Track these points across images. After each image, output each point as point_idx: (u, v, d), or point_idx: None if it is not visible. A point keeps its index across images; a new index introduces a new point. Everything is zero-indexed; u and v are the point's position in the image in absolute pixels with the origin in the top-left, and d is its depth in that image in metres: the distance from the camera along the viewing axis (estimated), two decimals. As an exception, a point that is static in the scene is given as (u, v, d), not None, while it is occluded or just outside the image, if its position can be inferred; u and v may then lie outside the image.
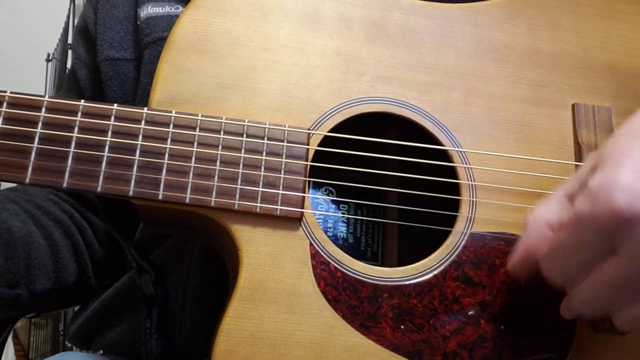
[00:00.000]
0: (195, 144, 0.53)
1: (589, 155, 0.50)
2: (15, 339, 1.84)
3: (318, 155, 0.56)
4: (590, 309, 0.48)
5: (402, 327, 0.53)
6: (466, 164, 0.57)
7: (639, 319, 0.46)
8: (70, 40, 1.97)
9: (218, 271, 0.59)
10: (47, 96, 0.52)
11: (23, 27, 2.29)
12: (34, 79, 2.10)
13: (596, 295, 0.46)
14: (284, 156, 0.54)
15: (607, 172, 0.44)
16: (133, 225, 0.69)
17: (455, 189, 0.57)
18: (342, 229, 0.66)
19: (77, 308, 0.78)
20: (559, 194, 0.49)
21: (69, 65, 1.96)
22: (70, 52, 1.93)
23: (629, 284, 0.44)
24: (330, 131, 0.56)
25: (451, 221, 0.57)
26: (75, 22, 2.01)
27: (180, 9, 0.70)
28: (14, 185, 0.74)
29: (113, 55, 0.73)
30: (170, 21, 0.57)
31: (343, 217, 0.66)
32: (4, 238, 0.63)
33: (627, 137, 0.46)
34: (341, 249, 0.55)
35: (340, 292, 0.53)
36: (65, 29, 2.06)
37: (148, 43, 0.70)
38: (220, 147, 0.53)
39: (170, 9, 0.71)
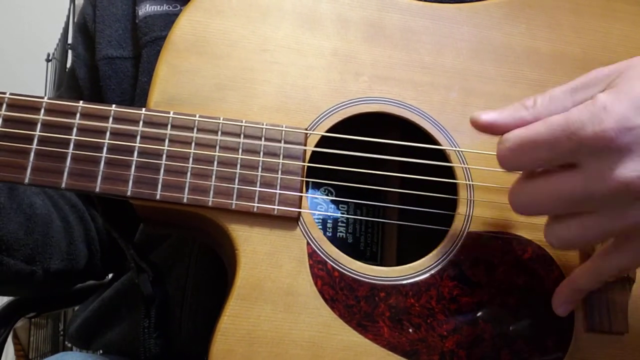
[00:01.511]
0: (193, 144, 0.53)
1: (606, 69, 0.49)
2: (15, 339, 1.85)
3: (316, 156, 0.56)
4: (530, 208, 0.48)
5: (399, 326, 0.53)
6: (464, 164, 0.57)
7: (564, 238, 0.47)
8: (70, 40, 1.98)
9: (217, 270, 0.60)
10: (46, 97, 0.53)
11: (23, 27, 2.30)
12: (34, 79, 2.11)
13: (541, 198, 0.46)
14: (281, 156, 0.54)
15: (617, 95, 0.43)
16: (133, 226, 0.69)
17: (454, 188, 0.57)
18: (341, 229, 0.66)
19: (77, 308, 0.79)
20: (564, 96, 0.47)
21: (69, 65, 1.97)
22: (70, 52, 1.94)
23: (576, 201, 0.44)
24: (327, 131, 0.56)
25: (450, 221, 0.57)
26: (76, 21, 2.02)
27: (179, 7, 0.70)
28: None
29: (111, 54, 0.73)
30: (168, 20, 0.58)
31: (342, 217, 0.66)
32: (27, 213, 0.64)
33: None
34: (340, 249, 0.55)
35: (337, 291, 0.53)
36: (65, 29, 2.07)
37: (146, 42, 0.71)
38: (217, 147, 0.54)
39: (169, 7, 0.71)
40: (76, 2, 2.11)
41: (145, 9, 0.72)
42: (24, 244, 0.64)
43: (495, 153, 0.56)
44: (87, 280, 0.76)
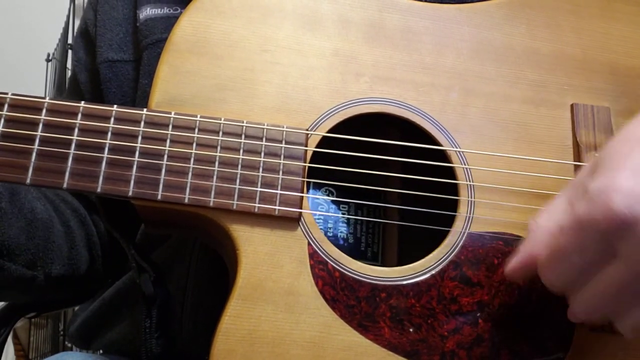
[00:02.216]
0: (194, 144, 0.53)
1: (588, 158, 0.50)
2: (15, 339, 1.85)
3: (317, 156, 0.56)
4: (591, 314, 0.48)
5: (400, 326, 0.53)
6: (464, 164, 0.57)
7: (637, 325, 0.46)
8: (70, 40, 1.98)
9: (218, 270, 0.60)
10: (47, 98, 0.53)
11: (23, 27, 2.30)
12: (34, 79, 2.11)
13: (597, 300, 0.46)
14: (282, 157, 0.54)
15: (606, 176, 0.44)
16: (134, 227, 0.69)
17: (455, 189, 0.57)
18: (342, 230, 0.66)
19: (77, 308, 0.79)
20: (560, 199, 0.49)
21: (69, 65, 1.97)
22: (70, 52, 1.94)
23: (629, 288, 0.44)
24: (328, 132, 0.56)
25: (451, 221, 0.57)
26: (76, 21, 2.03)
27: (179, 10, 0.71)
28: None
29: (112, 57, 0.73)
30: (168, 23, 0.58)
31: (343, 217, 0.66)
32: (28, 218, 0.64)
33: (627, 141, 0.46)
34: (341, 249, 0.55)
35: (338, 291, 0.53)
36: (65, 29, 2.07)
37: (147, 45, 0.71)
38: (219, 147, 0.54)
39: (169, 10, 0.72)
40: (76, 2, 2.12)
41: (146, 12, 0.73)
42: (25, 249, 0.64)
43: (496, 154, 0.57)
44: (89, 286, 0.76)
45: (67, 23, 2.07)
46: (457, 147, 0.58)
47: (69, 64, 1.95)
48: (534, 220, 0.49)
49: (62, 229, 0.69)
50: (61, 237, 0.68)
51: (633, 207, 0.42)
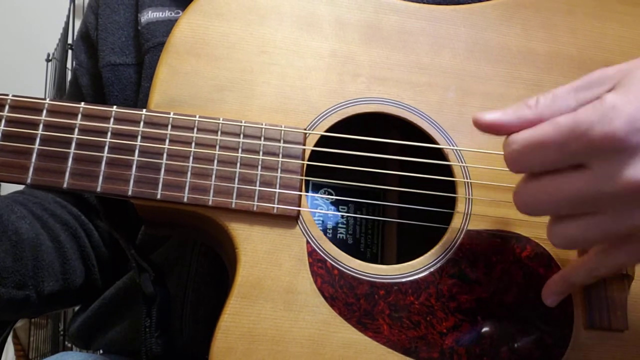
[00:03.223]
0: (193, 144, 0.54)
1: (610, 69, 0.48)
2: (15, 339, 1.85)
3: (315, 157, 0.57)
4: (534, 206, 0.47)
5: (399, 324, 0.53)
6: (462, 163, 0.58)
7: (569, 237, 0.46)
8: (70, 40, 1.99)
9: (218, 269, 0.60)
10: (48, 99, 0.53)
11: (23, 27, 2.31)
12: (34, 79, 2.12)
13: (546, 198, 0.46)
14: (280, 156, 0.55)
15: (627, 95, 0.43)
16: (135, 227, 0.69)
17: (453, 187, 0.58)
18: (341, 230, 0.67)
19: (77, 308, 0.79)
20: (568, 95, 0.47)
21: (69, 65, 1.98)
22: (70, 52, 1.95)
23: (580, 199, 0.44)
24: (326, 132, 0.57)
25: (449, 219, 0.57)
26: (76, 22, 2.04)
27: (180, 13, 0.71)
28: (22, 188, 0.75)
29: (114, 61, 0.74)
30: (170, 26, 0.58)
31: (342, 214, 0.66)
32: (13, 240, 0.64)
33: None
34: (340, 250, 0.55)
35: (337, 289, 0.53)
36: (65, 29, 2.08)
37: (149, 48, 0.71)
38: (217, 147, 0.54)
39: (171, 13, 0.72)
40: (76, 2, 2.13)
41: (147, 16, 0.73)
42: (13, 271, 0.64)
43: (493, 152, 0.58)
44: (87, 295, 0.76)
45: (67, 23, 2.09)
46: (454, 146, 0.58)
47: (69, 64, 1.96)
48: (535, 99, 0.47)
49: (52, 244, 0.69)
50: (51, 253, 0.68)
51: (633, 135, 0.41)
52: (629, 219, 0.44)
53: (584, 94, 0.46)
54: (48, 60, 2.11)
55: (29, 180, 0.51)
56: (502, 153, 0.58)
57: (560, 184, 0.45)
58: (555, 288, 0.53)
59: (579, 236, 0.46)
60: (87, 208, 0.76)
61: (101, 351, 0.73)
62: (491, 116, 0.48)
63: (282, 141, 0.55)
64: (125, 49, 0.74)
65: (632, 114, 0.42)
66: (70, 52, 1.96)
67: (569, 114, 0.44)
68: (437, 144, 0.58)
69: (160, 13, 0.73)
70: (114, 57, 0.74)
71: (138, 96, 0.73)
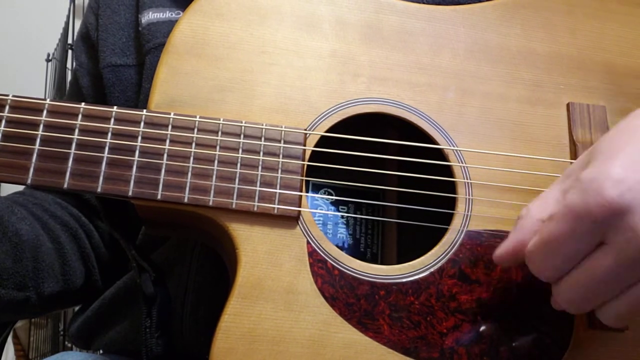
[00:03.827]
0: (194, 144, 0.54)
1: (583, 151, 0.50)
2: (15, 339, 1.85)
3: (316, 157, 0.57)
4: (575, 301, 0.48)
5: (399, 324, 0.53)
6: (462, 163, 0.58)
7: (622, 315, 0.46)
8: (70, 41, 1.99)
9: (219, 269, 0.60)
10: (48, 99, 0.53)
11: (23, 27, 2.31)
12: (34, 79, 2.12)
13: (582, 287, 0.46)
14: (280, 156, 0.55)
15: (599, 165, 0.44)
16: (135, 228, 0.69)
17: (453, 187, 0.58)
18: (341, 231, 0.67)
19: (77, 308, 0.79)
20: (552, 189, 0.49)
21: (69, 65, 1.98)
22: (70, 52, 1.95)
23: (615, 275, 0.44)
24: (326, 132, 0.57)
25: (449, 219, 0.57)
26: (76, 22, 2.04)
27: (181, 14, 0.71)
28: (21, 188, 0.75)
29: (115, 62, 0.74)
30: (171, 27, 0.58)
31: (342, 215, 0.66)
32: (13, 241, 0.64)
33: (620, 134, 0.47)
34: (341, 250, 0.55)
35: (337, 289, 0.53)
36: (65, 29, 2.08)
37: (150, 49, 0.71)
38: (218, 147, 0.54)
39: (171, 14, 0.72)
40: (76, 2, 2.13)
41: (148, 17, 0.73)
42: (13, 273, 0.64)
43: (493, 152, 0.58)
44: (88, 296, 0.76)
45: (67, 23, 2.09)
46: (454, 146, 0.58)
47: (69, 64, 1.96)
48: (526, 207, 0.50)
49: (52, 246, 0.69)
50: (51, 254, 0.68)
51: (624, 195, 0.42)
52: None
53: (564, 183, 0.47)
54: (48, 60, 2.11)
55: (29, 181, 0.51)
56: (502, 154, 0.59)
57: (589, 270, 0.45)
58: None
59: (631, 311, 0.46)
60: (87, 208, 0.76)
61: (101, 351, 0.73)
62: (500, 252, 0.51)
63: (282, 141, 0.55)
64: (125, 49, 0.74)
65: (617, 176, 0.43)
66: (70, 52, 1.96)
67: (560, 206, 0.45)
68: (437, 144, 0.58)
69: (161, 14, 0.73)
70: (114, 58, 0.74)
71: (139, 97, 0.73)
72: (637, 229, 0.42)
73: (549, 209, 0.47)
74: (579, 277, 0.46)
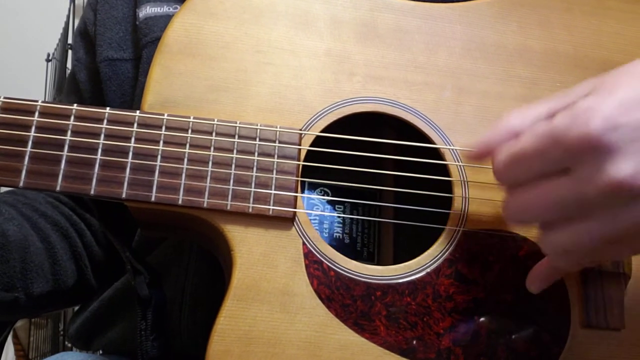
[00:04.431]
0: (188, 145, 0.53)
1: (586, 81, 0.49)
2: (15, 339, 1.85)
3: (312, 157, 0.56)
4: (522, 216, 0.48)
5: (396, 325, 0.53)
6: (458, 162, 0.57)
7: (558, 244, 0.46)
8: (70, 40, 1.99)
9: (216, 271, 0.60)
10: (40, 101, 0.53)
11: (23, 27, 2.30)
12: (34, 79, 2.11)
13: (533, 205, 0.46)
14: (275, 156, 0.54)
15: (597, 97, 0.43)
16: (131, 229, 0.69)
17: (449, 187, 0.57)
18: (337, 230, 0.66)
19: (77, 308, 0.79)
20: (542, 105, 0.49)
21: (69, 65, 1.98)
22: (70, 52, 1.95)
23: (566, 205, 0.44)
24: (322, 131, 0.56)
25: (446, 219, 0.57)
26: (76, 22, 2.03)
27: (179, 8, 0.71)
28: (13, 188, 0.75)
29: (112, 56, 0.74)
30: (168, 21, 0.58)
31: (338, 216, 0.66)
32: None
33: (626, 74, 0.46)
34: (337, 250, 0.55)
35: (333, 290, 0.53)
36: (65, 29, 2.08)
37: (147, 43, 0.71)
38: (212, 148, 0.54)
39: (169, 9, 0.72)
40: (76, 2, 2.12)
41: (145, 11, 0.73)
42: (1, 273, 0.64)
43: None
44: (81, 296, 0.76)
45: (67, 23, 2.08)
46: (451, 145, 0.58)
47: (69, 64, 1.95)
48: (508, 113, 0.49)
49: (42, 245, 0.69)
50: (41, 254, 0.68)
51: (608, 133, 0.42)
52: (618, 220, 0.43)
53: (558, 102, 0.47)
54: (48, 60, 2.11)
55: (21, 184, 0.51)
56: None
57: (544, 191, 0.45)
58: (541, 275, 0.52)
59: (569, 244, 0.46)
60: (83, 206, 0.75)
61: (101, 351, 0.73)
62: (475, 146, 0.50)
63: (277, 142, 0.55)
64: (122, 44, 0.74)
65: (608, 113, 0.42)
66: (70, 52, 1.96)
67: (545, 122, 0.45)
68: (434, 143, 0.58)
69: (159, 8, 0.73)
70: (111, 52, 0.74)
71: (135, 91, 0.72)
72: (605, 169, 0.42)
73: (532, 121, 0.47)
74: (533, 193, 0.46)
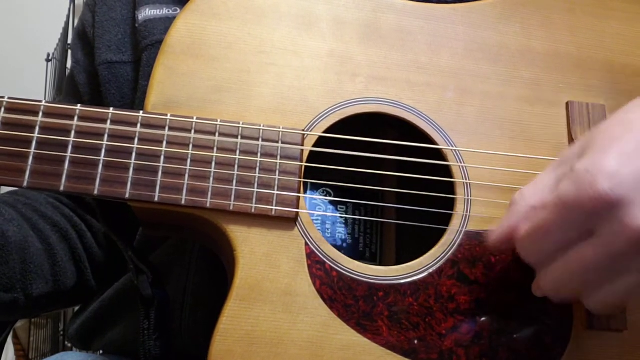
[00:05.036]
0: (191, 146, 0.54)
1: (578, 138, 0.51)
2: (15, 339, 1.85)
3: (315, 157, 0.56)
4: (558, 289, 0.48)
5: (398, 325, 0.53)
6: (461, 163, 0.57)
7: (607, 303, 0.47)
8: (70, 41, 1.99)
9: (217, 270, 0.60)
10: (44, 101, 0.53)
11: (23, 27, 2.31)
12: (34, 79, 2.12)
13: (567, 276, 0.47)
14: (278, 157, 0.55)
15: (594, 157, 0.44)
16: (133, 229, 0.69)
17: (452, 187, 0.57)
18: (340, 230, 0.66)
19: (77, 308, 0.79)
20: (547, 175, 0.49)
21: (69, 65, 1.98)
22: (70, 52, 1.95)
23: (600, 266, 0.45)
24: (325, 132, 0.56)
25: (448, 220, 0.57)
26: (76, 22, 2.03)
27: (178, 11, 0.70)
28: (15, 189, 0.75)
29: (111, 59, 0.74)
30: (168, 24, 0.58)
31: (341, 217, 0.66)
32: None
33: (616, 125, 0.47)
34: (340, 250, 0.55)
35: (335, 291, 0.53)
36: (65, 29, 2.08)
37: (146, 46, 0.71)
38: (215, 149, 0.54)
39: (169, 11, 0.72)
40: (76, 3, 2.12)
41: (145, 13, 0.73)
42: (0, 274, 0.64)
43: (492, 152, 0.58)
44: (81, 297, 0.76)
45: (67, 23, 2.08)
46: (453, 146, 0.58)
47: (69, 64, 1.95)
48: (519, 193, 0.50)
49: (42, 246, 0.69)
50: (40, 255, 0.68)
51: (616, 188, 0.43)
52: None
53: (559, 170, 0.48)
54: (48, 60, 2.11)
55: (25, 184, 0.51)
56: (501, 153, 0.58)
57: (575, 258, 0.46)
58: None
59: (613, 300, 0.46)
60: (84, 207, 0.76)
61: (101, 352, 0.73)
62: (493, 237, 0.51)
63: (280, 142, 0.55)
64: (122, 46, 0.74)
65: (608, 169, 0.43)
66: (70, 52, 1.96)
67: (553, 195, 0.46)
68: (436, 144, 0.58)
69: (158, 10, 0.72)
70: (110, 55, 0.74)
71: (136, 94, 0.72)
72: (625, 222, 0.43)
73: (541, 196, 0.48)
74: (566, 265, 0.46)
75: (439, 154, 0.58)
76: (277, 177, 0.54)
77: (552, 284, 0.48)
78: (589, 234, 0.45)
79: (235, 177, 0.53)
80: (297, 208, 0.54)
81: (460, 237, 0.56)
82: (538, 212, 0.47)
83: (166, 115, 0.54)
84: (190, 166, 0.53)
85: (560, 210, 0.45)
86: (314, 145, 0.56)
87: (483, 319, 0.54)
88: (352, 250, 0.66)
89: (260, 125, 0.55)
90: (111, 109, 0.54)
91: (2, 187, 0.63)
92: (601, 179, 0.43)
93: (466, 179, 0.57)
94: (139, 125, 0.53)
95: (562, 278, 0.47)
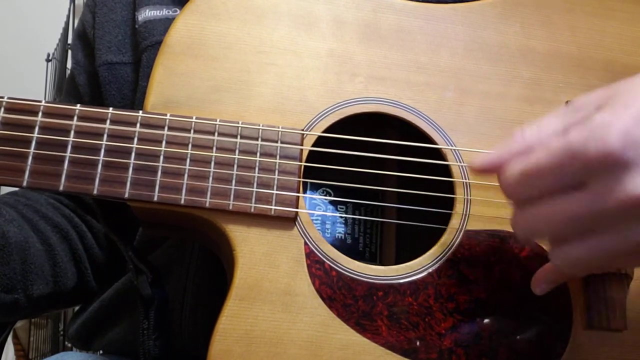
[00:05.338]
0: (190, 145, 0.54)
1: (596, 93, 0.48)
2: (15, 339, 1.86)
3: (314, 157, 0.56)
4: (534, 231, 0.47)
5: (398, 325, 0.53)
6: (460, 162, 0.57)
7: (570, 260, 0.46)
8: (70, 41, 1.99)
9: (218, 270, 0.60)
10: (43, 101, 0.53)
11: (23, 27, 2.31)
12: (34, 79, 2.12)
13: (545, 221, 0.45)
14: (277, 157, 0.55)
15: (614, 111, 0.42)
16: (133, 229, 0.69)
17: (451, 187, 0.57)
18: (340, 230, 0.66)
19: (77, 308, 0.79)
20: (554, 119, 0.47)
21: (69, 65, 1.98)
22: (70, 52, 1.95)
23: (581, 220, 0.44)
24: (324, 132, 0.56)
25: (448, 219, 0.57)
26: (76, 22, 2.04)
27: (178, 12, 0.71)
28: (15, 189, 0.75)
29: (111, 60, 0.74)
30: (168, 24, 0.58)
31: (340, 216, 0.66)
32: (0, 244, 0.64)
33: (639, 84, 0.45)
34: (339, 250, 0.55)
35: (335, 290, 0.53)
36: (65, 29, 2.08)
37: (146, 47, 0.71)
38: (214, 148, 0.54)
39: (168, 12, 0.72)
40: (76, 3, 2.13)
41: (144, 14, 0.73)
42: (1, 275, 0.64)
43: (490, 151, 0.57)
44: (81, 297, 0.76)
45: (67, 23, 2.08)
46: (453, 146, 0.58)
47: (69, 64, 1.96)
48: (521, 129, 0.48)
49: (42, 247, 0.69)
50: (41, 256, 0.68)
51: (628, 149, 0.41)
52: (631, 234, 0.43)
53: (570, 117, 0.46)
54: (48, 60, 2.11)
55: (25, 184, 0.51)
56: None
57: (559, 206, 0.44)
58: (546, 276, 0.52)
59: (583, 257, 0.45)
60: (84, 208, 0.76)
61: (101, 352, 0.73)
62: (482, 160, 0.49)
63: (279, 142, 0.55)
64: (122, 47, 0.74)
65: (625, 129, 0.41)
66: (70, 52, 1.96)
67: (560, 137, 0.44)
68: (436, 144, 0.58)
69: (158, 11, 0.73)
70: (110, 56, 0.74)
71: (135, 95, 0.72)
72: (623, 185, 0.41)
73: (545, 137, 0.46)
74: (547, 211, 0.45)
75: (438, 154, 0.58)
76: (276, 176, 0.54)
77: (527, 225, 0.47)
78: (579, 186, 0.43)
79: (234, 176, 0.54)
80: (297, 208, 0.54)
81: (460, 236, 0.56)
82: (537, 152, 0.45)
83: (165, 115, 0.54)
84: (189, 166, 0.53)
85: (564, 155, 0.43)
86: (314, 145, 0.56)
87: (483, 318, 0.54)
88: (352, 250, 0.66)
89: (259, 125, 0.55)
90: (110, 108, 0.54)
91: (3, 187, 0.64)
92: (615, 135, 0.41)
93: (466, 179, 0.57)
94: (138, 125, 0.53)
95: (538, 223, 0.46)
